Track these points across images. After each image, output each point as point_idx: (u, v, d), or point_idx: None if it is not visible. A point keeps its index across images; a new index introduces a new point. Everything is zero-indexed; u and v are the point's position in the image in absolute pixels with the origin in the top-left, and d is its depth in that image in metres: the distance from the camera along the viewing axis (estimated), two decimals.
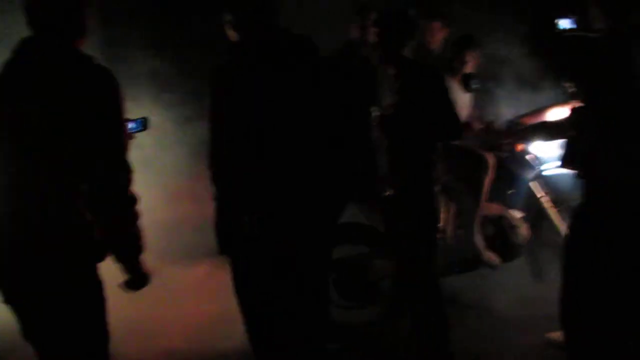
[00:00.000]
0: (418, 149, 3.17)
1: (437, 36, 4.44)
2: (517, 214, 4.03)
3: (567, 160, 2.85)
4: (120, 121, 2.07)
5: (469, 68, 4.14)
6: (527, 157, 4.07)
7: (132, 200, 2.06)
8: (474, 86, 3.94)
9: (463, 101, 4.09)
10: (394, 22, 3.19)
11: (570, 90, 3.25)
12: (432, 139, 3.21)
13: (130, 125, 2.56)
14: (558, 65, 3.68)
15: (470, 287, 4.21)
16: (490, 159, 3.89)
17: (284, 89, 2.43)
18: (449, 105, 3.17)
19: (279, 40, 2.49)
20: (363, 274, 3.80)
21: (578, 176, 2.88)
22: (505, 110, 4.32)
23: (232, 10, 2.52)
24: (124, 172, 2.05)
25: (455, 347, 3.30)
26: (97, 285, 2.08)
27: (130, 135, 2.43)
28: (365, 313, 3.87)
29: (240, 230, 2.45)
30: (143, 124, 2.59)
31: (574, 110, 2.95)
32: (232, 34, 2.54)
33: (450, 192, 3.90)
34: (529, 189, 4.10)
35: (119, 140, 2.06)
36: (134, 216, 2.07)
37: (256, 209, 2.44)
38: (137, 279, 2.13)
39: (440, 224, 3.87)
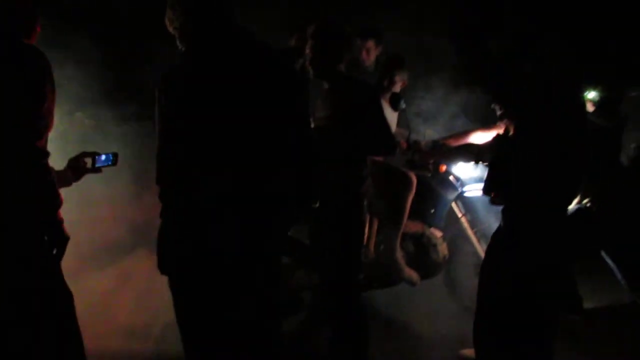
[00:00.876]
0: (349, 163, 3.22)
1: (371, 54, 4.54)
2: (437, 233, 4.14)
3: (488, 189, 2.98)
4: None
5: (397, 88, 4.23)
6: (450, 177, 4.19)
7: None
8: (401, 106, 4.04)
9: (390, 119, 4.18)
10: (329, 37, 3.21)
11: (498, 112, 3.41)
12: (364, 153, 3.25)
13: (101, 158, 2.60)
14: (488, 88, 3.82)
15: (389, 303, 4.29)
16: (413, 178, 3.99)
17: (243, 96, 2.27)
18: (383, 121, 3.22)
19: (235, 43, 2.33)
20: (284, 283, 3.80)
21: (493, 202, 3.03)
22: (431, 130, 4.43)
23: (185, 11, 2.32)
24: None
25: None
26: None
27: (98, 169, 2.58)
28: (286, 322, 3.86)
29: (189, 249, 2.27)
30: (113, 160, 2.66)
31: (497, 137, 3.10)
32: (181, 36, 2.37)
33: (372, 208, 3.98)
34: (450, 208, 4.23)
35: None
36: None
37: (210, 225, 2.27)
38: None
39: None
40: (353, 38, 3.35)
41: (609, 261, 3.68)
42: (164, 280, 2.37)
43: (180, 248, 2.29)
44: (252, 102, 2.28)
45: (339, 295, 3.28)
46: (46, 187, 2.17)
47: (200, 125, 2.24)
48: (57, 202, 2.21)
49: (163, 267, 2.32)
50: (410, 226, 4.08)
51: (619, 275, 3.63)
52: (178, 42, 2.41)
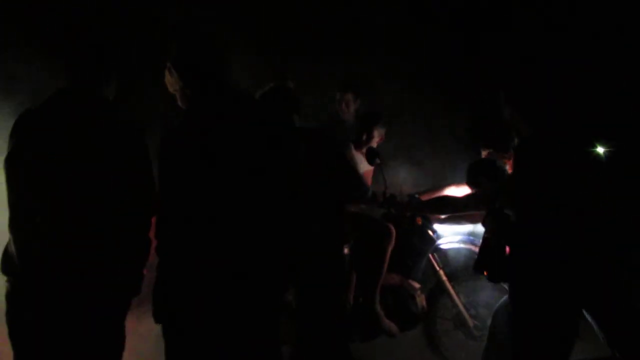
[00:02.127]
0: (328, 216, 3.26)
1: (350, 107, 4.65)
2: (415, 285, 4.16)
3: (481, 266, 2.96)
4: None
5: (374, 143, 4.34)
6: (426, 230, 4.24)
7: None
8: (376, 161, 4.13)
9: (367, 172, 4.26)
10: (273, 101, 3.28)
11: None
12: (336, 200, 3.29)
13: None
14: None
15: (369, 357, 4.26)
16: (392, 230, 4.03)
17: (245, 152, 2.32)
18: (347, 166, 3.28)
19: (234, 100, 2.40)
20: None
21: (491, 279, 3.00)
22: (408, 185, 4.51)
23: (187, 66, 2.39)
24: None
25: None
26: None
27: None
28: None
29: (186, 301, 2.29)
30: None
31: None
32: (181, 93, 2.44)
33: (352, 259, 4.00)
34: (428, 261, 4.27)
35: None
36: None
37: (212, 280, 2.29)
38: None
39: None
40: (294, 93, 3.41)
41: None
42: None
43: (177, 300, 2.30)
44: (247, 160, 2.33)
45: (321, 347, 3.26)
46: None
47: (200, 184, 2.29)
48: None
49: (158, 317, 2.34)
50: (389, 278, 4.10)
51: (596, 328, 3.64)
52: (179, 102, 2.50)
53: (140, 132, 2.52)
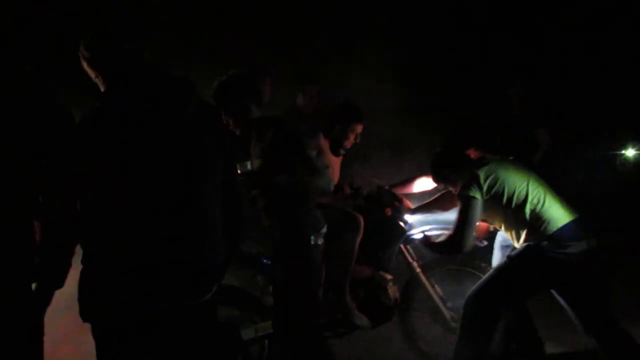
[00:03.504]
0: (296, 205, 3.19)
1: (314, 99, 4.58)
2: (386, 276, 4.07)
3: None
4: None
5: (349, 142, 4.20)
6: (397, 221, 4.16)
7: None
8: (341, 151, 4.05)
9: (334, 163, 4.19)
10: (226, 93, 3.24)
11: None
12: (297, 188, 3.22)
13: None
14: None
15: (346, 352, 4.18)
16: (361, 220, 3.96)
17: (168, 138, 2.23)
18: (301, 149, 3.23)
19: (157, 82, 2.30)
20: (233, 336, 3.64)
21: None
22: (376, 175, 4.44)
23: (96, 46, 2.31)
24: None
25: None
26: None
27: None
28: None
29: (114, 297, 2.19)
30: None
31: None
32: (95, 75, 2.36)
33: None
34: (401, 253, 4.18)
35: None
36: None
37: (137, 277, 2.18)
38: None
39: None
40: (253, 78, 3.35)
41: (561, 300, 3.62)
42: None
43: (105, 296, 2.20)
44: (173, 146, 2.24)
45: (295, 342, 3.19)
46: None
47: (127, 167, 2.19)
48: None
49: (85, 315, 2.23)
50: (359, 270, 4.01)
51: (571, 315, 3.55)
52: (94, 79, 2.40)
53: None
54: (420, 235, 4.07)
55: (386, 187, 4.26)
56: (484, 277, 3.69)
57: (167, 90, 2.31)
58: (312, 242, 3.27)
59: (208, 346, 2.36)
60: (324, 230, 3.32)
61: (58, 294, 2.37)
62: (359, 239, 3.90)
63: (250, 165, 3.16)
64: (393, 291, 4.04)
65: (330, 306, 3.89)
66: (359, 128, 4.17)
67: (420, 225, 4.18)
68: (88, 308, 2.21)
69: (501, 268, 3.64)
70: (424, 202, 4.31)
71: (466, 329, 3.59)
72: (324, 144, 4.10)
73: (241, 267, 3.69)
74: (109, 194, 2.18)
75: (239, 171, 3.04)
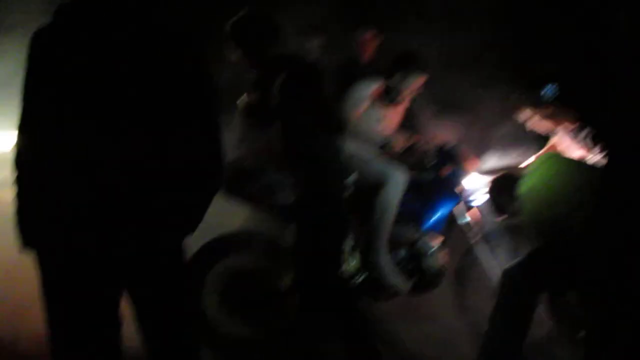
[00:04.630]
0: (306, 147, 2.98)
1: (369, 47, 4.29)
2: (434, 240, 3.74)
3: None
4: None
5: (409, 92, 3.89)
6: (453, 183, 3.81)
7: None
8: (399, 101, 3.74)
9: (392, 114, 3.90)
10: (245, 31, 3.04)
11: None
12: (314, 133, 2.99)
13: None
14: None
15: (391, 326, 3.88)
16: (403, 177, 3.67)
17: (130, 58, 1.95)
18: (324, 98, 3.03)
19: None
20: (260, 285, 3.52)
21: None
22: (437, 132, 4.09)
23: None
24: None
25: None
26: None
27: None
28: (270, 325, 3.55)
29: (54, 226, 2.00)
30: None
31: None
32: None
33: (358, 208, 3.67)
34: (453, 215, 3.81)
35: None
36: None
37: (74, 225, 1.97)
38: None
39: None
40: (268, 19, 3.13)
41: None
42: None
43: (44, 222, 2.02)
44: (144, 65, 1.97)
45: (317, 292, 3.04)
46: None
47: (82, 90, 1.93)
48: None
49: (26, 242, 2.06)
50: (404, 231, 3.71)
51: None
52: None
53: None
54: (483, 200, 3.69)
55: (452, 145, 3.90)
56: None
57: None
58: (334, 191, 3.06)
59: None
60: (352, 179, 3.07)
61: None
62: (399, 195, 3.63)
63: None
64: (440, 257, 3.72)
65: (365, 265, 3.65)
66: (421, 79, 3.83)
67: (479, 189, 3.79)
68: (28, 234, 2.05)
69: None
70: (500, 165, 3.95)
71: None
72: (379, 93, 3.82)
73: (274, 219, 3.52)
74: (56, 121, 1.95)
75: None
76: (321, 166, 3.02)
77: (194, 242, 3.48)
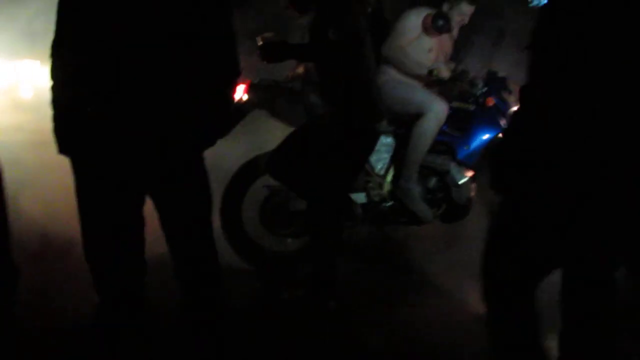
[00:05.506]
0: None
1: None
2: (466, 172, 3.71)
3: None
4: None
5: (457, 20, 3.80)
6: (497, 114, 3.73)
7: None
8: (439, 23, 3.64)
9: (441, 43, 3.83)
10: None
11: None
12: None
13: None
14: None
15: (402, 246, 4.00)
16: (443, 105, 3.63)
17: None
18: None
19: None
20: (286, 204, 3.66)
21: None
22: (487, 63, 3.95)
23: None
24: None
25: None
26: None
27: None
28: (297, 242, 3.74)
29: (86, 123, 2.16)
30: None
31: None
32: None
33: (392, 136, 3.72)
34: (488, 149, 3.76)
35: None
36: None
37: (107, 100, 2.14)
38: None
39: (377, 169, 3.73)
40: None
41: None
42: None
43: (74, 125, 2.20)
44: None
45: (321, 225, 3.15)
46: None
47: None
48: None
49: (61, 148, 2.25)
50: (438, 161, 3.71)
51: None
52: None
53: None
54: None
55: (501, 76, 3.80)
56: None
57: None
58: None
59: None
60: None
61: None
62: (437, 127, 3.60)
63: None
64: (469, 190, 3.68)
65: (395, 190, 3.69)
66: (471, 9, 3.75)
67: None
68: (65, 140, 2.24)
69: None
70: None
71: None
72: (429, 21, 3.75)
73: None
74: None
75: None
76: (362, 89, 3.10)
77: (236, 163, 3.76)
